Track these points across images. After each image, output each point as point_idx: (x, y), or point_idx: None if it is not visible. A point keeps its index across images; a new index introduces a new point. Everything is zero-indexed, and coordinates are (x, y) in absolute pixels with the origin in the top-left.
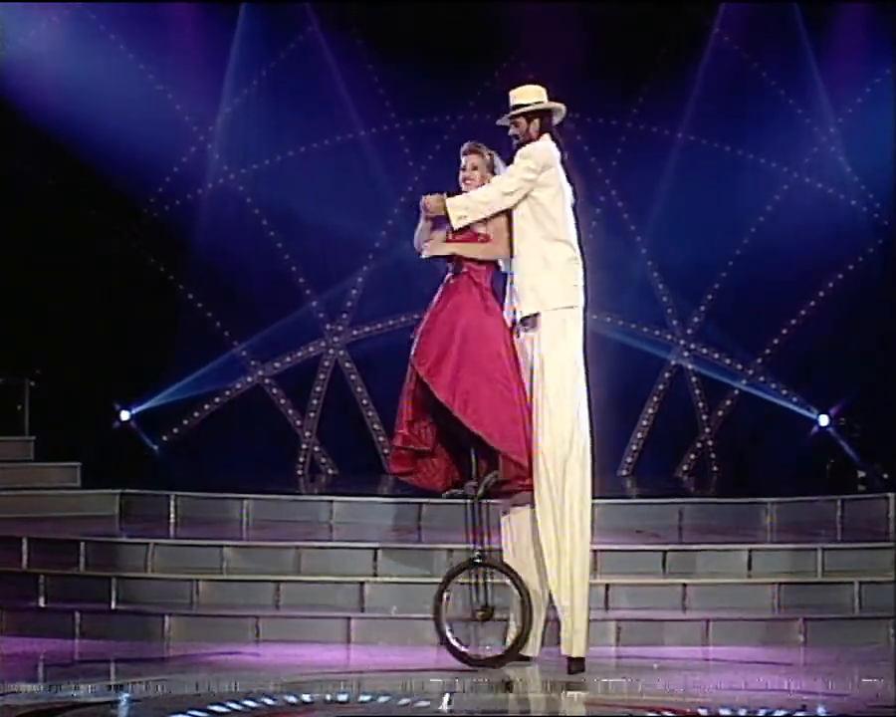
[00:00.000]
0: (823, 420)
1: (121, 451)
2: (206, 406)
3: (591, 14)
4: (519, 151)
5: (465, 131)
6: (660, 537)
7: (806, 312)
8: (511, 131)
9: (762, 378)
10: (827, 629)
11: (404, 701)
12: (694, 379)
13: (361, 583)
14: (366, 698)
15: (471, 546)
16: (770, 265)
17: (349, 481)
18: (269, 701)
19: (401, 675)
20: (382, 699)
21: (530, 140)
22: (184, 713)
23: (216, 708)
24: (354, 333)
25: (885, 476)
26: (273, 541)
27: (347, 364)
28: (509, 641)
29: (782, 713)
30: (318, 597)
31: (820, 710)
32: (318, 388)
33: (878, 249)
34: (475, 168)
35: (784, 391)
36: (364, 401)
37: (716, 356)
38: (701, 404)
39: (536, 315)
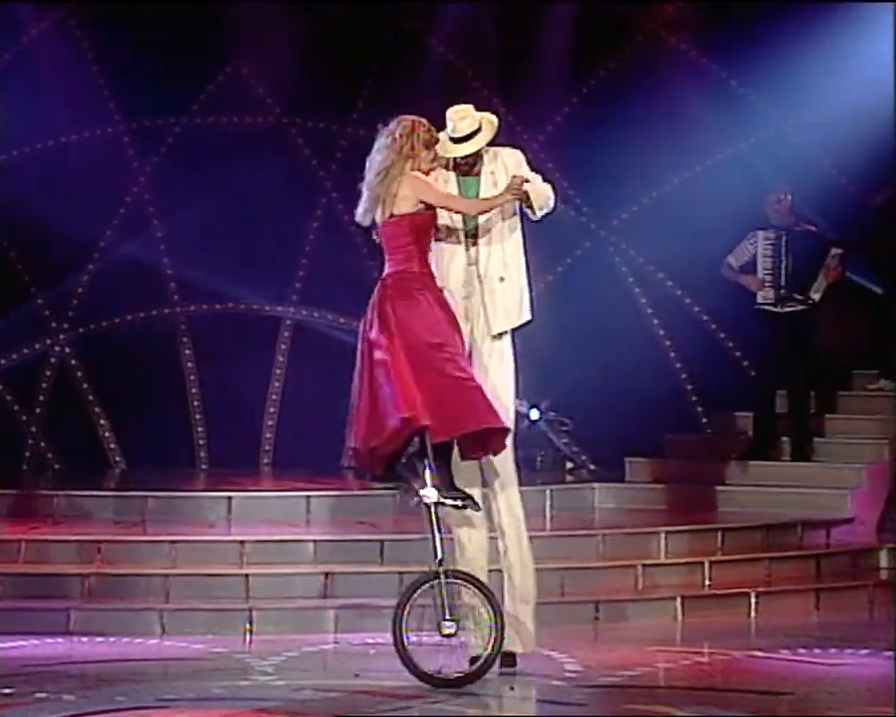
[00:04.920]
0: (534, 414)
1: None
2: None
3: (314, 17)
4: (519, 155)
5: (189, 134)
6: (377, 528)
7: None
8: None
9: None
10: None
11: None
12: None
13: (84, 576)
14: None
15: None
16: None
17: (76, 476)
18: None
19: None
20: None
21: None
22: None
23: None
24: (80, 330)
25: (592, 467)
26: None
27: (73, 362)
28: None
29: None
30: (39, 589)
31: (533, 691)
32: (44, 385)
33: (585, 251)
34: None
35: None
36: (91, 398)
37: None
38: None
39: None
